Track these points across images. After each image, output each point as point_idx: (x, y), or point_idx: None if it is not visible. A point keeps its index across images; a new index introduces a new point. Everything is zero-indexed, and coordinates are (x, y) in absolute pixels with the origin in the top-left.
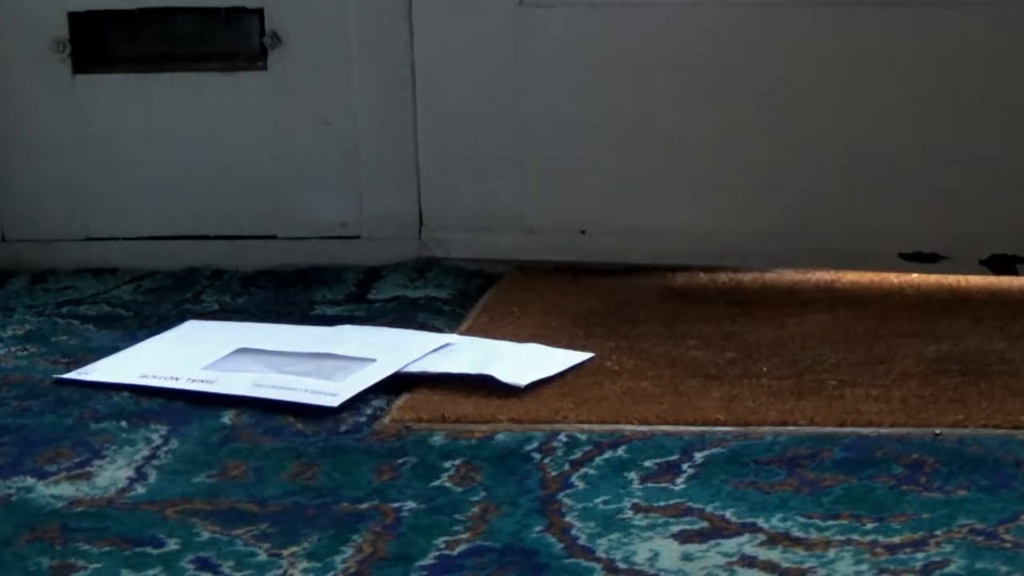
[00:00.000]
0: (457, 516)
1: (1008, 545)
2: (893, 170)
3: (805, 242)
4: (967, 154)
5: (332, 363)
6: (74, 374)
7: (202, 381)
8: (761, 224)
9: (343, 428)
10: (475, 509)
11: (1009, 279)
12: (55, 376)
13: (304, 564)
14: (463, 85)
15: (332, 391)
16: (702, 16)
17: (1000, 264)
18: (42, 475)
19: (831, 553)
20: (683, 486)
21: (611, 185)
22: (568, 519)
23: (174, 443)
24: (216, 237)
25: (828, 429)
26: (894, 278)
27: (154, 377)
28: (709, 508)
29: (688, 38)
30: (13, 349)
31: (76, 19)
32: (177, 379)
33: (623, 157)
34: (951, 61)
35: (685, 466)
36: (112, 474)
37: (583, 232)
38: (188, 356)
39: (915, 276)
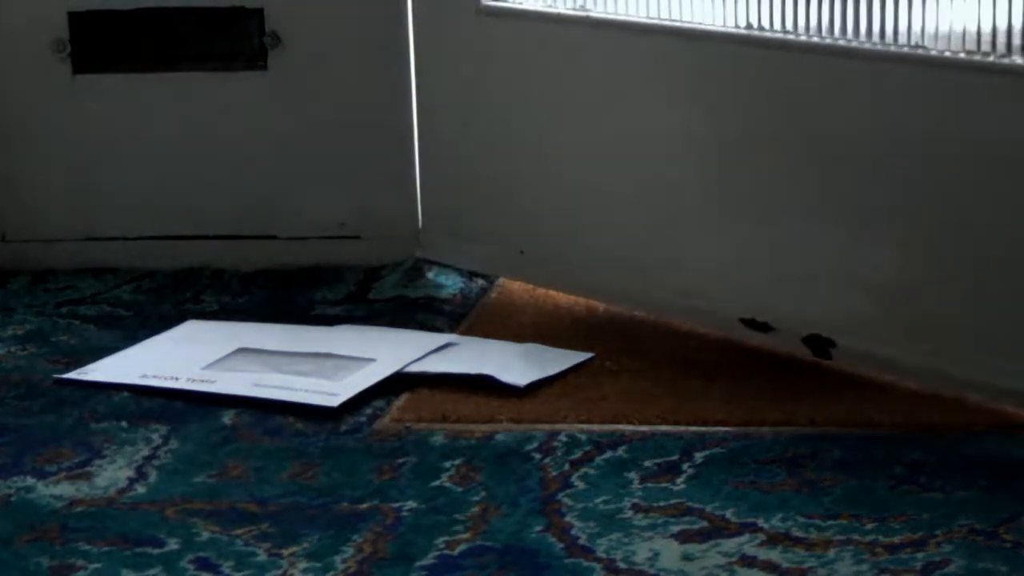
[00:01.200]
0: (457, 516)
1: (1008, 545)
2: (736, 237)
3: (674, 291)
4: (799, 231)
5: (332, 363)
6: (74, 374)
7: (202, 381)
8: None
9: (343, 428)
10: (475, 509)
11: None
12: (55, 376)
13: (304, 564)
14: (464, 84)
15: (332, 391)
16: (643, 41)
17: (816, 344)
18: (42, 475)
19: (831, 553)
20: (683, 486)
21: (547, 207)
22: (568, 519)
23: (174, 443)
24: (216, 237)
25: (828, 429)
26: None
27: (154, 377)
28: (709, 508)
29: (628, 61)
30: (13, 349)
31: (76, 19)
32: (177, 379)
33: (556, 178)
34: (789, 150)
35: (685, 466)
36: (112, 474)
37: (521, 252)
38: (188, 356)
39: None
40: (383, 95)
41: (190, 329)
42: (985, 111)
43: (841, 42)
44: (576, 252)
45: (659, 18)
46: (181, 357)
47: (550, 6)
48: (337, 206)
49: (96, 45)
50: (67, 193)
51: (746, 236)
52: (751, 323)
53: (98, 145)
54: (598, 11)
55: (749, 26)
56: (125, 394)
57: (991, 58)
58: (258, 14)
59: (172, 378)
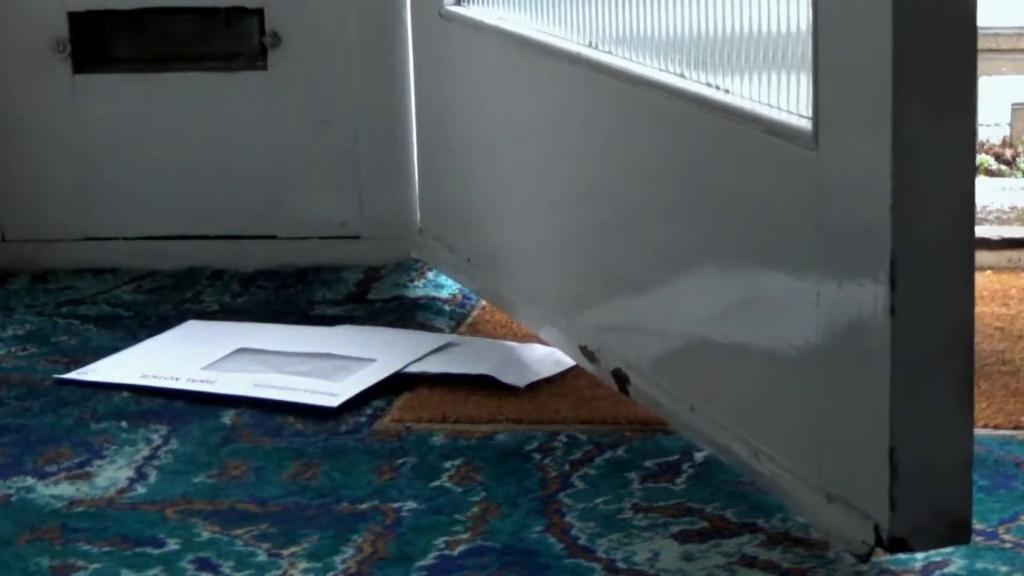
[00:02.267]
0: (457, 516)
1: (1008, 545)
2: (589, 268)
3: (548, 310)
4: (629, 269)
5: (332, 363)
6: (74, 374)
7: (202, 381)
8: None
9: (343, 428)
10: (475, 509)
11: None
12: (55, 376)
13: (304, 564)
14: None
15: (332, 391)
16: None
17: (619, 378)
18: (42, 475)
19: (831, 553)
20: (683, 486)
21: (493, 217)
22: (568, 519)
23: (174, 443)
24: (216, 237)
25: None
26: None
27: (154, 377)
28: (709, 508)
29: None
30: (13, 349)
31: (76, 19)
32: (177, 379)
33: (498, 187)
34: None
35: (685, 466)
36: (112, 474)
37: (468, 260)
38: (188, 356)
39: None
40: (383, 95)
41: (190, 329)
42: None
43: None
44: (511, 263)
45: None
46: (181, 357)
47: (498, 19)
48: (337, 206)
49: (96, 45)
50: (67, 193)
51: (597, 267)
52: (584, 350)
53: (98, 145)
54: (534, 32)
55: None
56: (125, 394)
57: None
58: (258, 14)
59: (172, 378)
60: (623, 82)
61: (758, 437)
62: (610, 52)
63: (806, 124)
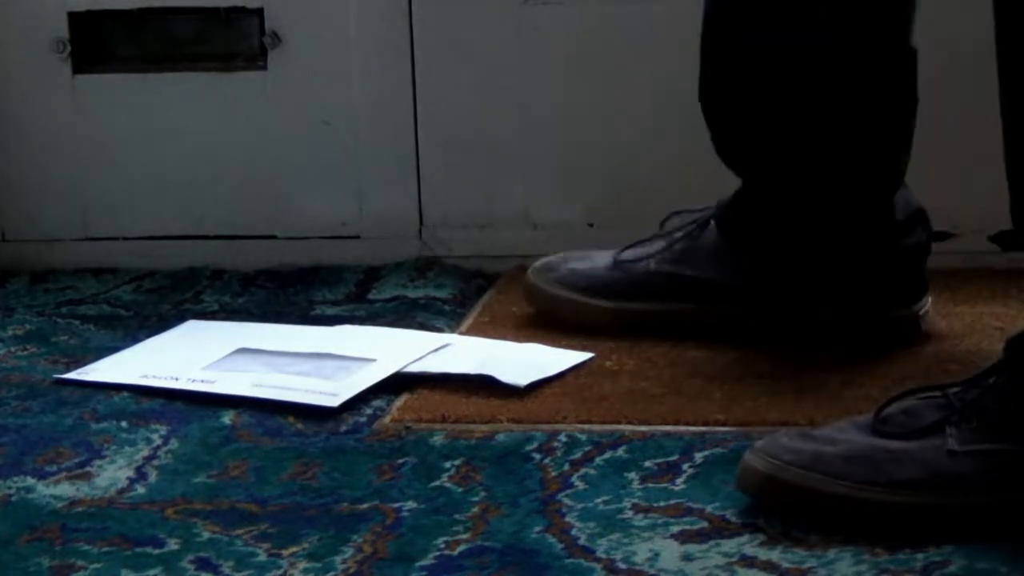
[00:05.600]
0: (457, 516)
1: (1008, 545)
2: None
3: None
4: (971, 128)
5: (332, 363)
6: (74, 374)
7: (202, 381)
8: None
9: (343, 428)
10: (475, 509)
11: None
12: (55, 376)
13: (304, 564)
14: (465, 83)
15: (332, 391)
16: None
17: (1008, 240)
18: (42, 475)
19: (831, 553)
20: (683, 486)
21: (619, 178)
22: (568, 519)
23: (174, 443)
24: (216, 237)
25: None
26: None
27: (154, 377)
28: (709, 508)
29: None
30: (13, 349)
31: (76, 19)
32: (177, 379)
33: (629, 151)
34: (953, 29)
35: (685, 466)
36: (112, 474)
37: (590, 225)
38: (188, 356)
39: None
40: (383, 94)
41: (190, 329)
42: None
43: None
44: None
45: None
46: (181, 357)
47: None
48: (337, 206)
49: (96, 45)
50: (67, 193)
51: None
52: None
53: (98, 145)
54: None
55: None
56: (125, 394)
57: None
58: (258, 14)
59: (172, 378)
60: None
61: None
62: None
63: None
